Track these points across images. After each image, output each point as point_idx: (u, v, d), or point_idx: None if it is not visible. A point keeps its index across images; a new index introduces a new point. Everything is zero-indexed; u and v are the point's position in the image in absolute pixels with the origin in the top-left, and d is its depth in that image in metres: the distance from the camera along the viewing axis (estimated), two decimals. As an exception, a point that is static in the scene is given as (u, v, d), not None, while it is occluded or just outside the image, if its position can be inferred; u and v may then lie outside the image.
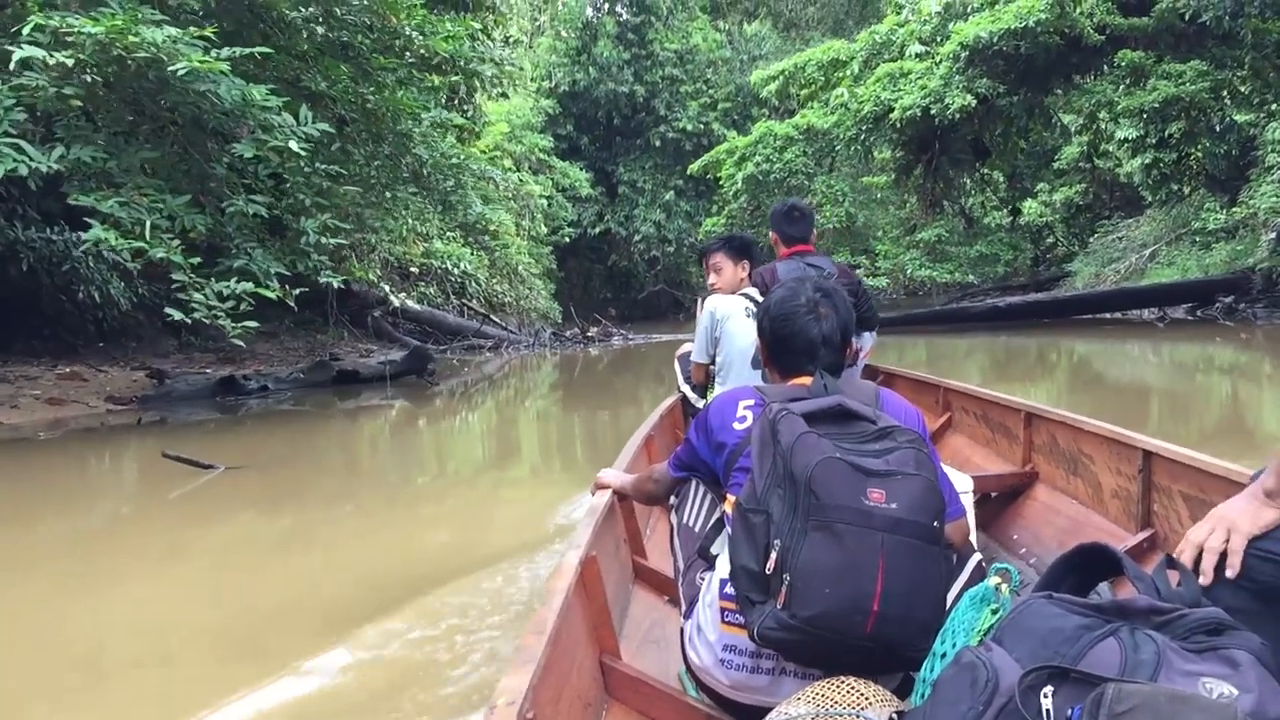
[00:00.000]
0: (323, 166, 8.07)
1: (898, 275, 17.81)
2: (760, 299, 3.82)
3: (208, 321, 7.08)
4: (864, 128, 16.93)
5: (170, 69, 6.48)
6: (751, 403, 2.28)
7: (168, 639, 4.16)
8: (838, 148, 17.74)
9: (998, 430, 4.51)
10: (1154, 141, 26.67)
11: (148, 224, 6.68)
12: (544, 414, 12.27)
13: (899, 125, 16.21)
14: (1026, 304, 19.28)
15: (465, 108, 14.58)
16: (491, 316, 19.96)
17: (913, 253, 17.61)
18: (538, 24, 30.96)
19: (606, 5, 32.90)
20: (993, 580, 1.82)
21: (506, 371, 16.55)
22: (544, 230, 26.14)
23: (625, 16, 32.40)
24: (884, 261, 17.93)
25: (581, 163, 30.76)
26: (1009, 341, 17.16)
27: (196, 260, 6.99)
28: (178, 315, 6.96)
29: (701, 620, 2.18)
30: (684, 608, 2.37)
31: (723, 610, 2.10)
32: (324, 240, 8.02)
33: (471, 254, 21.53)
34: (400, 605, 4.15)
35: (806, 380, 2.26)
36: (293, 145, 6.79)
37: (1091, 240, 28.35)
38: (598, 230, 31.70)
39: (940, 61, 16.26)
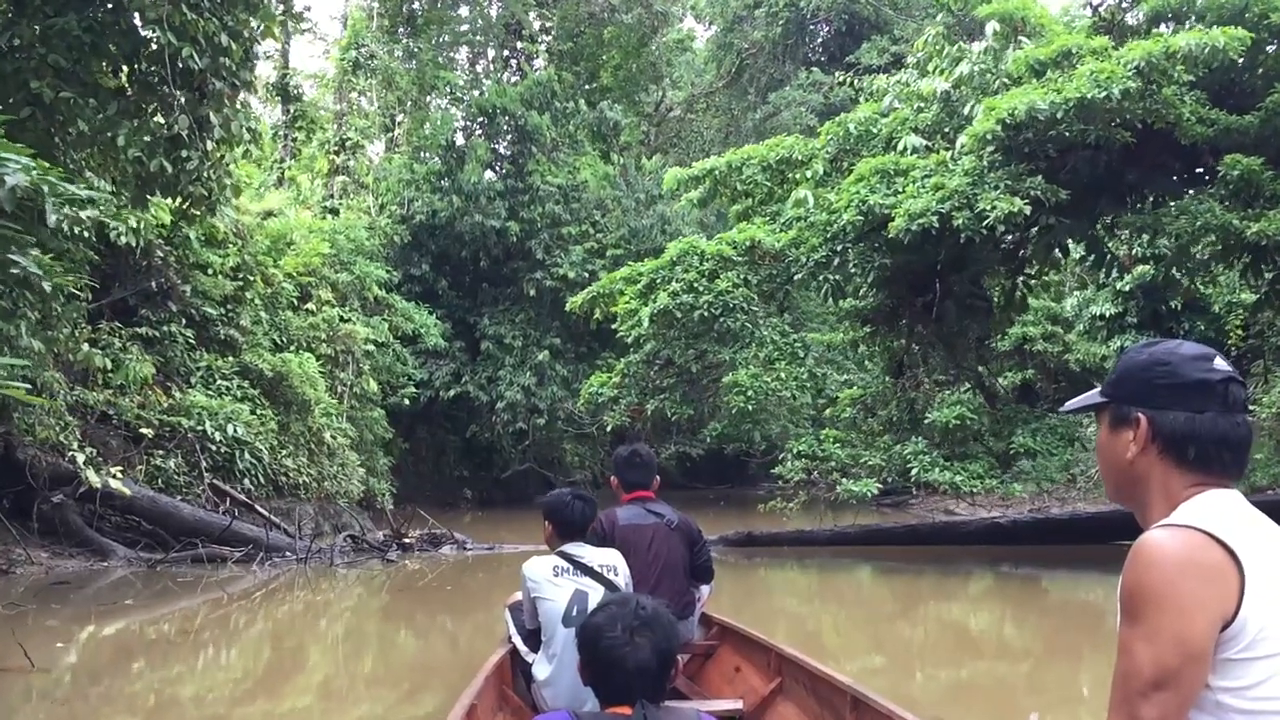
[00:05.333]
0: None
1: (890, 477, 11.89)
2: (572, 554, 4.24)
3: None
4: (839, 247, 11.36)
5: None
6: None
7: None
8: (797, 276, 12.07)
9: (826, 706, 4.25)
10: (1135, 321, 22.36)
11: None
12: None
13: (901, 242, 10.66)
14: (1036, 522, 13.68)
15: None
16: (256, 507, 13.21)
17: (916, 444, 11.76)
18: (390, 136, 25.30)
19: (480, 132, 27.62)
20: None
21: (171, 638, 9.63)
22: (374, 387, 19.69)
23: (501, 148, 27.19)
24: (873, 455, 11.95)
25: (437, 310, 24.71)
26: (1041, 581, 11.40)
27: None
28: None
29: None
30: None
31: None
32: None
33: (253, 412, 14.95)
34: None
35: (626, 710, 2.26)
36: None
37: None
38: (453, 393, 25.30)
39: (962, 153, 10.96)
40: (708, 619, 5.64)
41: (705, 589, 5.27)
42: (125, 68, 8.78)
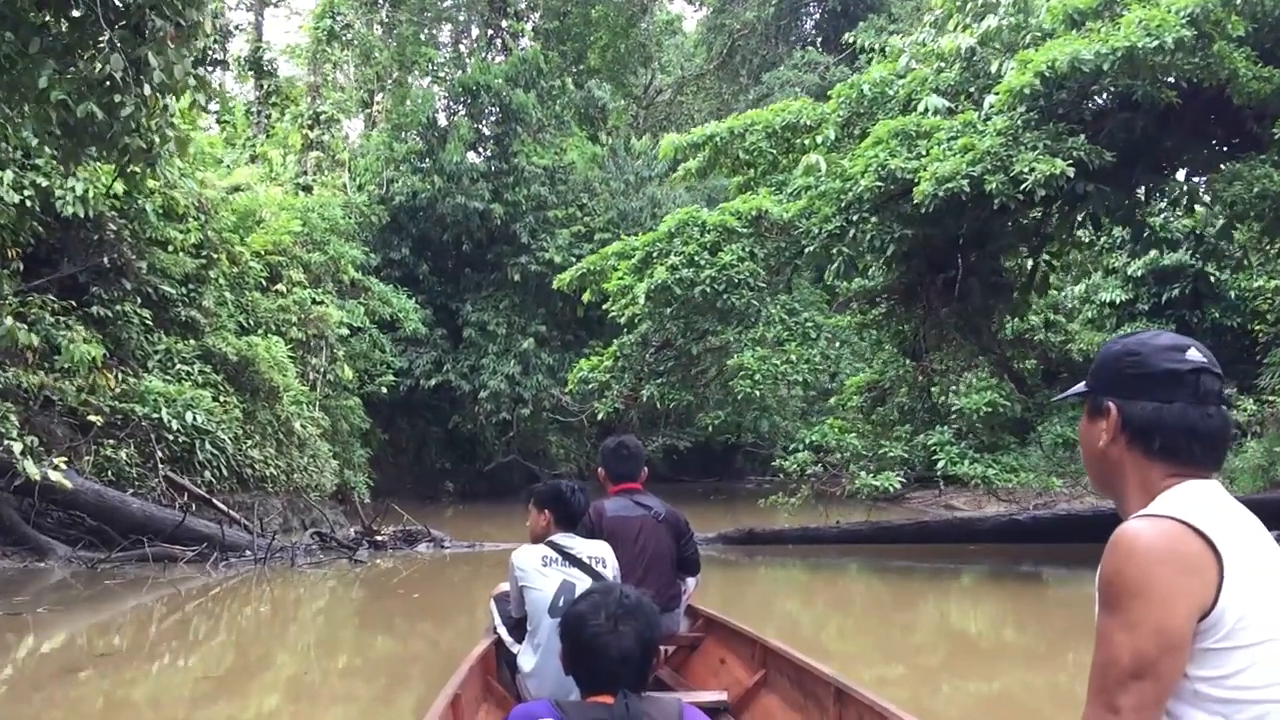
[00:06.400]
0: None
1: (905, 470, 10.81)
2: (562, 544, 4.20)
3: None
4: (855, 216, 10.34)
5: None
6: None
7: None
8: (808, 249, 11.02)
9: (810, 698, 4.25)
10: (1146, 308, 21.43)
11: None
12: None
13: (925, 210, 9.65)
14: (1057, 519, 12.77)
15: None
16: (215, 501, 12.14)
17: (941, 433, 10.68)
18: (369, 113, 24.18)
19: (463, 110, 26.50)
20: None
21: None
22: (349, 374, 18.63)
23: (485, 128, 26.11)
24: (893, 446, 10.90)
25: (418, 296, 23.64)
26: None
27: None
28: None
29: None
30: None
31: None
32: None
33: (216, 399, 13.88)
34: None
35: (608, 699, 2.24)
36: None
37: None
38: (434, 383, 24.27)
39: (991, 113, 9.97)
40: (693, 611, 5.62)
41: (691, 581, 5.29)
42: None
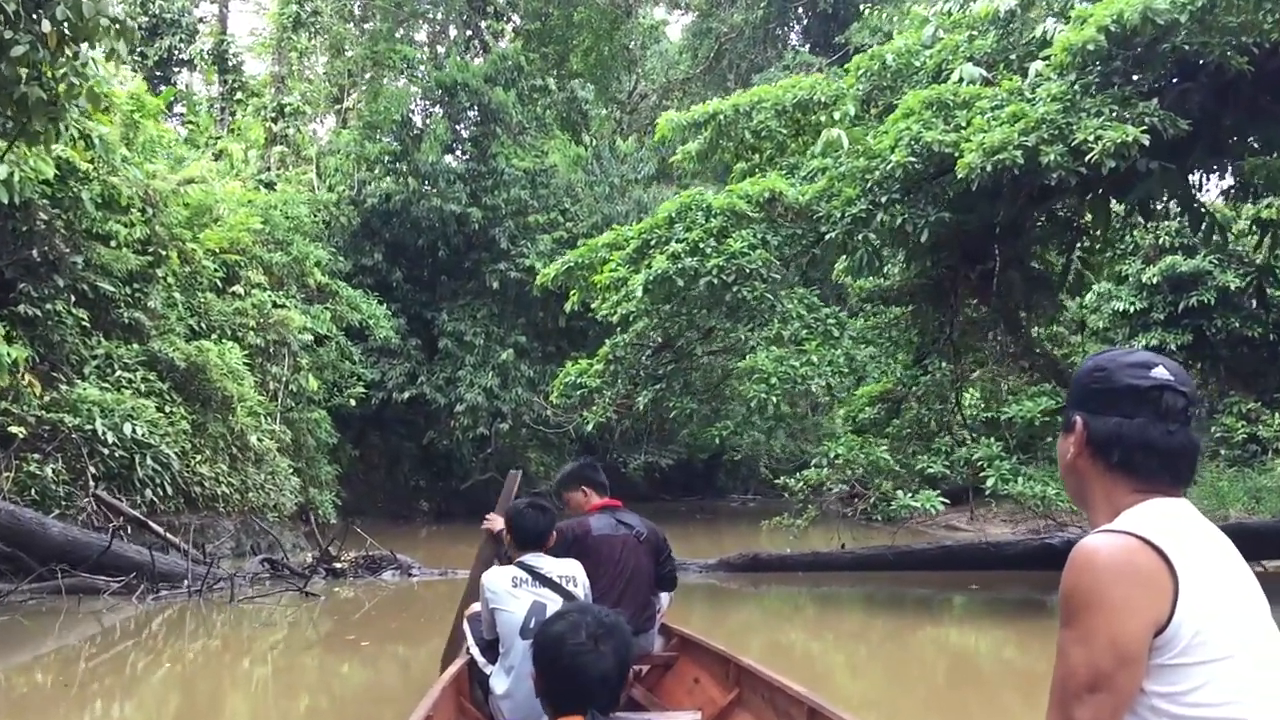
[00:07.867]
0: None
1: (920, 487, 9.54)
2: (531, 564, 4.15)
3: None
4: (883, 198, 9.07)
5: None
6: None
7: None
8: (828, 235, 9.73)
9: (784, 717, 4.24)
10: (1161, 317, 20.26)
11: None
12: None
13: (969, 187, 8.41)
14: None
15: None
16: (150, 524, 10.75)
17: (989, 446, 9.36)
18: (340, 109, 22.86)
19: (440, 109, 25.25)
20: None
21: None
22: (314, 385, 17.25)
23: (463, 130, 24.88)
24: (930, 462, 9.62)
25: (391, 304, 22.29)
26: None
27: None
28: None
29: None
30: None
31: None
32: None
33: (160, 409, 12.52)
34: None
35: None
36: None
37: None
38: (408, 395, 22.88)
39: (1042, 78, 8.75)
40: (668, 630, 5.55)
41: (665, 597, 5.29)
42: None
